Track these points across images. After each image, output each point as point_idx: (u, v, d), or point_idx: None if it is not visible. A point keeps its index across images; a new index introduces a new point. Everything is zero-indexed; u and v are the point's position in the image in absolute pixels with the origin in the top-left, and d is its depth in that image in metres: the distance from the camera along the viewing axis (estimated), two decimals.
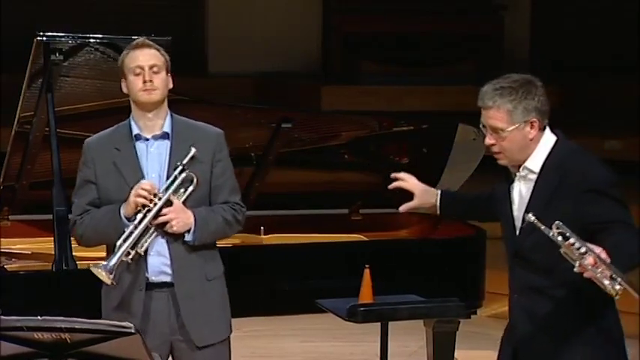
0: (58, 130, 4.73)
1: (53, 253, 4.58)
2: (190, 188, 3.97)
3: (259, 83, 10.36)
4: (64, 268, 4.52)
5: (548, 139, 3.76)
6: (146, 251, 3.97)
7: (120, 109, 4.95)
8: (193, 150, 3.97)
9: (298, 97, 9.97)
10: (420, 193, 4.01)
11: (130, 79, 4.02)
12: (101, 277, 3.90)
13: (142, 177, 3.99)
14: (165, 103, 4.04)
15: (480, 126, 3.76)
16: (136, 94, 4.01)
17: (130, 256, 3.92)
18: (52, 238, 4.60)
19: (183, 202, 3.97)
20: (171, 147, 4.02)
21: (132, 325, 3.36)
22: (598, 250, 3.50)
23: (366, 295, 4.52)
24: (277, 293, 4.90)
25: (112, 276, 3.87)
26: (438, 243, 5.24)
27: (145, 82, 3.98)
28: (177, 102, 4.15)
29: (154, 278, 4.00)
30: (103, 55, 4.76)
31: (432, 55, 10.64)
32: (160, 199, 3.93)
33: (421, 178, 4.07)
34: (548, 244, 3.53)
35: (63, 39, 4.67)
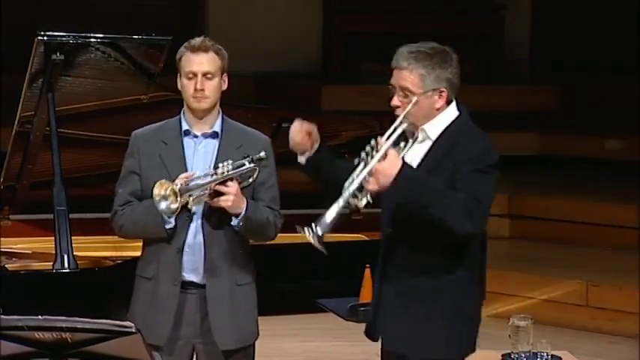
0: (58, 129, 4.73)
1: (54, 252, 4.58)
2: (249, 181, 3.95)
3: (259, 83, 10.36)
4: (65, 267, 4.52)
5: (452, 111, 3.78)
6: (182, 248, 3.99)
7: (120, 109, 4.97)
8: (263, 153, 3.95)
9: (298, 97, 9.97)
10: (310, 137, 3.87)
11: (183, 81, 4.03)
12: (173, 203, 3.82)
13: (186, 172, 3.99)
14: (218, 103, 4.05)
15: (389, 86, 3.74)
16: (188, 98, 4.03)
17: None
18: (53, 238, 4.60)
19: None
20: (219, 147, 4.03)
21: (132, 324, 3.37)
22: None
23: (366, 294, 4.52)
24: (277, 293, 4.90)
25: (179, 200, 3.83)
26: None
27: (196, 89, 3.98)
28: (179, 102, 4.15)
29: (185, 276, 4.01)
30: (103, 54, 4.76)
31: None
32: (225, 173, 3.89)
33: None
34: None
35: (64, 38, 4.67)
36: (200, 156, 4.05)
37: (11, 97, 5.22)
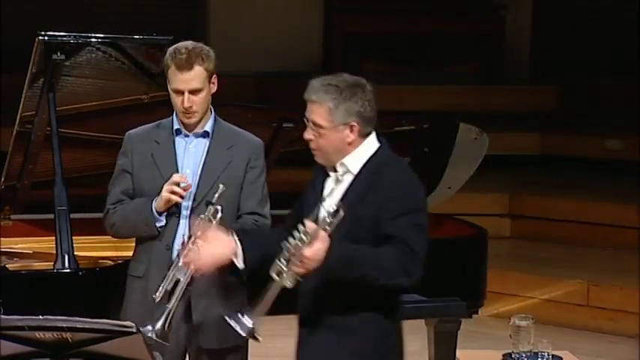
0: (59, 129, 4.73)
1: (54, 252, 4.58)
2: (218, 216, 3.89)
3: (260, 83, 10.36)
4: (66, 267, 4.52)
5: (372, 144, 3.69)
6: (172, 246, 3.98)
7: (121, 109, 4.96)
8: (221, 187, 3.91)
9: (300, 97, 9.96)
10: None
11: (171, 93, 4.05)
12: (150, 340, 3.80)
13: (177, 171, 4.03)
14: (209, 103, 4.05)
15: (304, 119, 3.70)
16: (177, 111, 4.05)
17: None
18: (54, 238, 4.60)
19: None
20: (209, 146, 4.05)
21: (133, 324, 3.36)
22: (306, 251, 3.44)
23: None
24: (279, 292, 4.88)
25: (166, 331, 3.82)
26: (439, 242, 5.23)
27: (184, 107, 4.00)
28: None
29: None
30: (104, 54, 4.76)
31: (433, 54, 10.64)
32: (189, 237, 3.84)
33: (423, 178, 4.07)
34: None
35: (64, 38, 4.67)
36: (191, 155, 4.06)
37: (12, 97, 5.22)
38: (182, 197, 3.96)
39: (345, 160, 3.67)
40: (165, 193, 3.97)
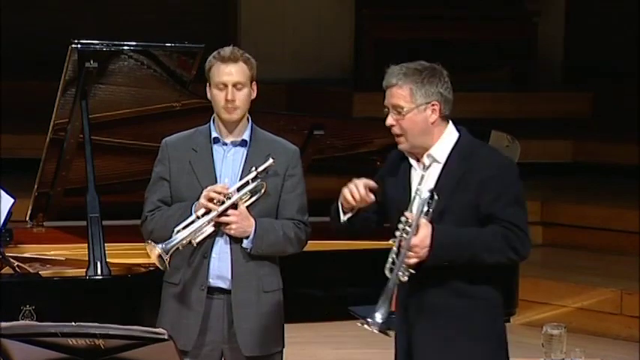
0: (91, 136, 4.75)
1: (87, 259, 4.59)
2: (255, 197, 3.99)
3: (291, 90, 10.37)
4: (98, 274, 4.53)
5: (453, 132, 3.79)
6: (210, 254, 4.01)
7: (153, 116, 4.98)
8: (270, 160, 4.00)
9: (330, 104, 9.96)
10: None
11: (213, 91, 4.06)
12: (154, 256, 3.91)
13: (215, 179, 4.04)
14: (249, 105, 4.07)
15: (384, 109, 3.78)
16: (218, 109, 4.06)
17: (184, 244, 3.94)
18: (86, 245, 4.62)
19: (247, 208, 3.99)
20: (247, 155, 4.06)
21: (165, 330, 3.37)
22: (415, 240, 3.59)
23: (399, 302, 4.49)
24: (310, 300, 4.89)
25: (167, 257, 3.89)
26: None
27: (227, 100, 4.00)
28: (210, 109, 4.15)
29: (212, 282, 4.02)
30: (136, 62, 4.78)
31: (465, 61, 10.59)
32: (229, 198, 3.94)
33: None
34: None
35: (97, 46, 4.69)
36: (229, 163, 4.07)
37: (44, 104, 5.25)
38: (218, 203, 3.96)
39: (432, 151, 3.74)
40: (203, 201, 3.97)
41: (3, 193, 4.84)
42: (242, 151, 4.07)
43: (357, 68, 10.76)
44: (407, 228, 3.64)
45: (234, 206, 3.98)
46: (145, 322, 4.21)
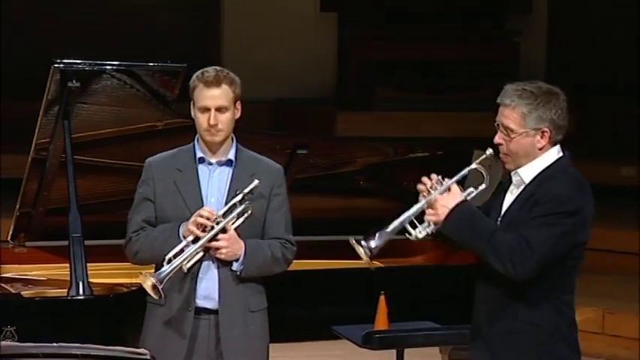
0: (74, 156, 4.74)
1: (69, 279, 4.58)
2: (242, 218, 3.99)
3: (274, 109, 10.38)
4: (80, 294, 4.51)
5: (552, 155, 3.78)
6: (197, 274, 3.99)
7: (136, 136, 4.98)
8: (256, 181, 4.00)
9: (313, 123, 9.97)
10: None
11: (196, 113, 4.05)
12: (147, 287, 3.89)
13: (201, 199, 4.02)
14: (233, 127, 4.07)
15: (495, 124, 3.77)
16: (201, 131, 4.05)
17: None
18: (68, 265, 4.60)
19: (236, 231, 3.99)
20: (233, 174, 4.05)
21: (147, 351, 3.36)
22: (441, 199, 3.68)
23: (381, 321, 4.51)
24: (293, 320, 4.88)
25: (161, 286, 3.87)
26: (453, 269, 5.22)
27: (210, 125, 4.00)
28: (194, 129, 4.16)
29: (199, 302, 4.01)
30: (119, 82, 4.78)
31: (447, 81, 10.64)
32: (217, 223, 3.94)
33: None
34: None
35: (80, 66, 4.69)
36: (215, 183, 4.06)
37: (24, 125, 5.24)
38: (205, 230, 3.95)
39: (520, 170, 3.75)
40: (192, 227, 3.96)
41: None
42: (228, 171, 4.07)
43: (339, 88, 10.78)
44: (437, 186, 3.70)
45: (224, 230, 3.97)
46: (128, 343, 4.19)
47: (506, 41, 10.85)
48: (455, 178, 3.75)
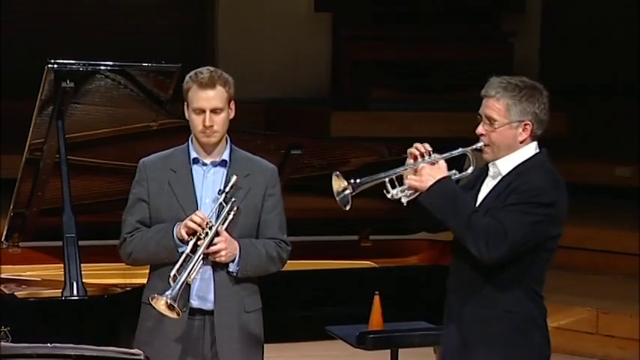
0: (68, 156, 4.73)
1: (63, 279, 4.57)
2: (230, 217, 3.98)
3: (269, 110, 10.38)
4: (74, 295, 4.51)
5: (530, 149, 3.80)
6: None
7: (130, 136, 4.97)
8: (234, 178, 3.99)
9: (308, 123, 9.97)
10: None
11: (191, 115, 4.04)
12: (162, 308, 3.86)
13: (195, 200, 4.02)
14: (227, 127, 4.06)
15: (477, 115, 3.82)
16: (196, 133, 4.05)
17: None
18: (62, 265, 4.60)
19: (227, 231, 3.99)
20: (227, 175, 4.04)
21: (141, 352, 3.36)
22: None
23: (376, 321, 4.51)
24: (287, 320, 4.88)
25: (176, 304, 3.86)
26: (447, 269, 5.22)
27: (204, 126, 3.99)
28: (188, 129, 4.16)
29: (194, 303, 4.01)
30: (113, 82, 4.78)
31: (441, 81, 10.65)
32: (210, 228, 3.94)
33: None
34: None
35: (74, 66, 4.69)
36: (209, 184, 4.05)
37: (17, 124, 5.23)
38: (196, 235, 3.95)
39: (498, 162, 3.79)
40: (183, 231, 3.95)
41: None
42: (222, 171, 4.06)
43: (334, 88, 10.79)
44: (426, 157, 3.76)
45: (217, 233, 3.97)
46: (122, 343, 4.19)
47: (501, 42, 10.86)
48: (444, 155, 3.80)
